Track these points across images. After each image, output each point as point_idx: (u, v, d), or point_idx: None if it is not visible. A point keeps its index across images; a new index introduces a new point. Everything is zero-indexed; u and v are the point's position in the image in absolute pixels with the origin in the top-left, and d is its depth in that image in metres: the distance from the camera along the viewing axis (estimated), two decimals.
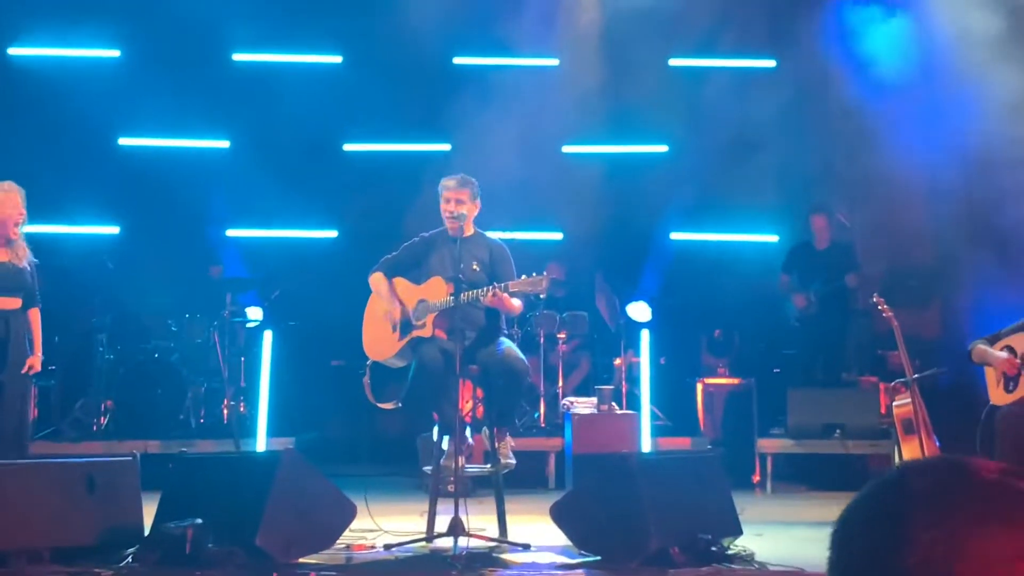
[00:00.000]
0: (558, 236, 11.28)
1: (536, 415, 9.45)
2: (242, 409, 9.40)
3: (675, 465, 5.94)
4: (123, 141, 11.04)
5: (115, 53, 11.09)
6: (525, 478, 7.87)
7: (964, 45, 8.96)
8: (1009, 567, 1.13)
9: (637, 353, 9.35)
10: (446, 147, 11.30)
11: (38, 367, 6.62)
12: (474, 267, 6.20)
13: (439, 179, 6.66)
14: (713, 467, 5.95)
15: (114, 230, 11.01)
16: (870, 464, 8.98)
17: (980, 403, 6.61)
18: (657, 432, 9.07)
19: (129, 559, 5.18)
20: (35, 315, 6.71)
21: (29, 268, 6.76)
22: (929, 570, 1.15)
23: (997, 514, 1.16)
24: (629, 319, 9.57)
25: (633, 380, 9.39)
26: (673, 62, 11.28)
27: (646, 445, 8.42)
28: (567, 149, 11.37)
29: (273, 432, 8.94)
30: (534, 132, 10.94)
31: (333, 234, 11.33)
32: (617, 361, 9.70)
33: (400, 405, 6.39)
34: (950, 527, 1.16)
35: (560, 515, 5.72)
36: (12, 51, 11.03)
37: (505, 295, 5.93)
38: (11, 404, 6.49)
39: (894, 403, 7.28)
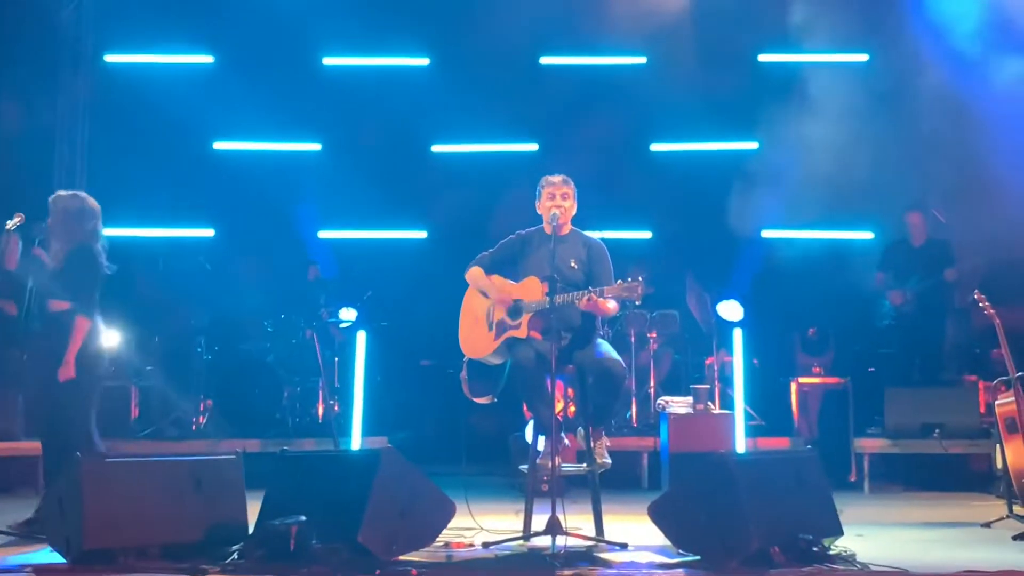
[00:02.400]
0: (647, 235, 11.23)
1: (628, 415, 9.42)
2: (335, 408, 9.51)
3: (774, 465, 5.87)
4: (217, 145, 11.28)
5: (208, 59, 11.32)
6: (618, 478, 7.83)
7: None
8: None
9: (730, 352, 9.28)
10: (533, 147, 11.36)
11: (64, 375, 6.43)
12: (572, 264, 6.20)
13: (527, 179, 6.69)
14: (812, 467, 5.87)
15: (209, 233, 11.22)
16: (971, 464, 8.82)
17: None
18: (751, 432, 8.99)
19: (235, 556, 5.25)
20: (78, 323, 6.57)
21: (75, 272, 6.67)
22: None
23: None
24: (720, 318, 9.48)
25: (726, 379, 9.32)
26: (763, 57, 11.18)
27: (740, 445, 8.35)
28: (656, 147, 11.32)
29: (367, 431, 9.03)
30: (622, 130, 10.95)
31: (422, 235, 11.43)
32: (709, 360, 9.63)
33: (496, 400, 6.40)
34: None
35: (658, 514, 5.70)
36: (109, 58, 11.31)
37: (601, 300, 5.92)
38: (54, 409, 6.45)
39: (996, 402, 7.12)
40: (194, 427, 9.45)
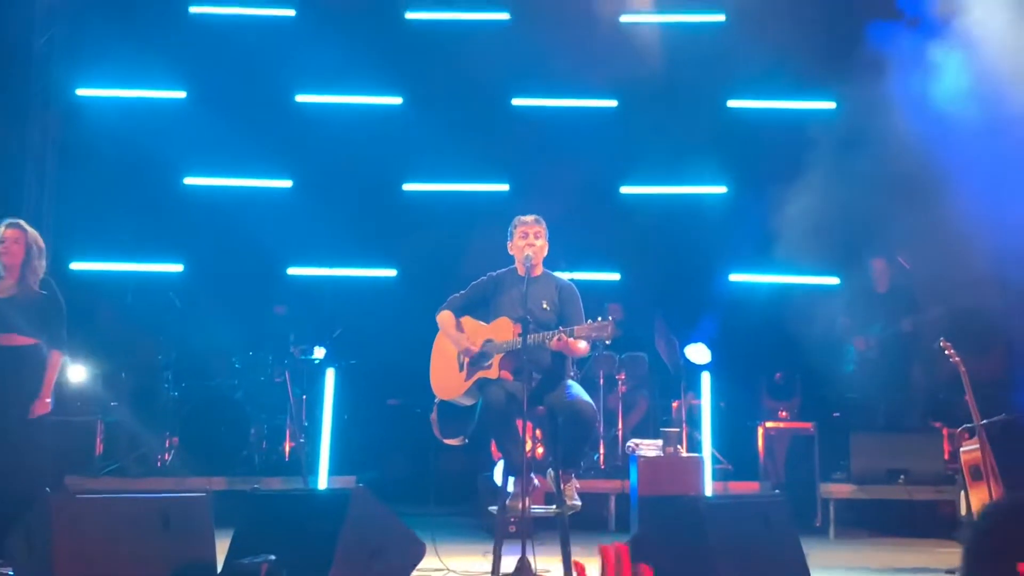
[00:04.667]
0: (616, 277, 11.29)
1: (596, 457, 9.43)
2: (303, 445, 9.46)
3: (743, 509, 5.89)
4: (188, 180, 11.25)
5: (181, 94, 11.33)
6: (585, 520, 7.82)
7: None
8: None
9: (697, 395, 9.33)
10: (505, 187, 11.41)
11: (39, 410, 6.43)
12: (544, 306, 6.23)
13: (497, 218, 6.72)
14: (781, 511, 5.90)
15: (178, 268, 11.18)
16: (936, 511, 8.88)
17: None
18: (718, 476, 9.02)
19: None
20: (51, 357, 6.56)
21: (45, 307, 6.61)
22: None
23: None
24: (688, 361, 9.53)
25: (693, 422, 9.35)
26: (732, 103, 11.32)
27: (709, 488, 8.38)
28: (625, 190, 11.41)
29: (334, 470, 8.98)
30: (592, 173, 11.02)
31: (392, 273, 11.43)
32: (675, 404, 9.67)
33: (466, 442, 6.40)
34: None
35: (628, 557, 5.70)
36: (80, 92, 11.28)
37: (571, 340, 5.96)
38: (12, 443, 6.36)
39: (961, 449, 7.20)
40: (159, 464, 9.36)
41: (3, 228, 6.61)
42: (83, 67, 11.21)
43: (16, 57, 10.97)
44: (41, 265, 6.67)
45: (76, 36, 11.15)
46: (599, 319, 5.87)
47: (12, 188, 10.72)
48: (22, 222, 6.69)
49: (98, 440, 9.30)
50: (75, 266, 10.99)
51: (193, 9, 11.35)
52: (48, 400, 6.41)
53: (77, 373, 9.45)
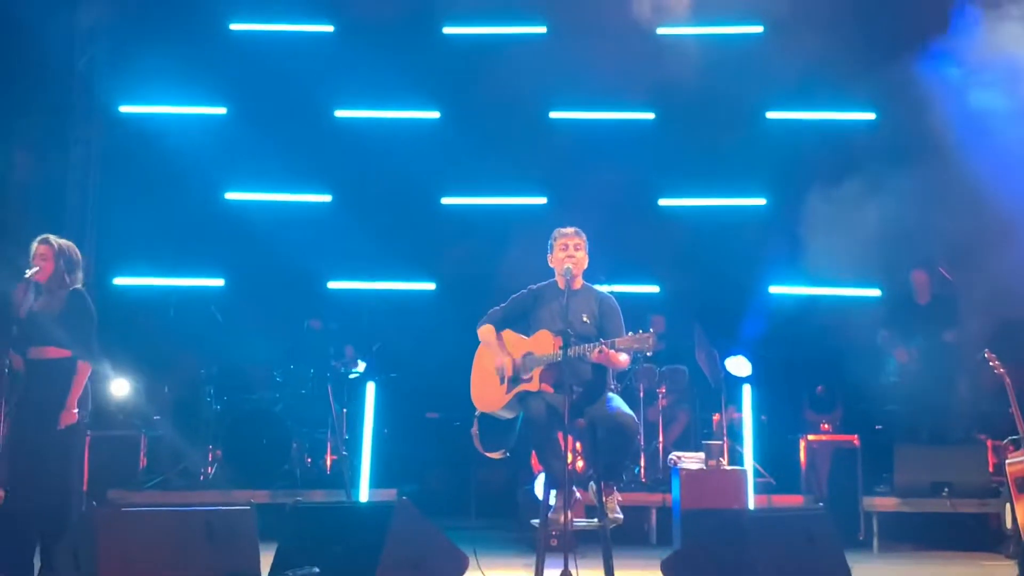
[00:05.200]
0: (655, 289, 11.27)
1: (637, 470, 9.40)
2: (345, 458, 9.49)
3: (786, 522, 5.87)
4: (229, 196, 11.34)
5: (221, 110, 11.44)
6: (626, 534, 7.80)
7: None
8: None
9: (738, 408, 9.29)
10: (542, 200, 11.43)
11: (65, 421, 6.43)
12: (584, 319, 6.21)
13: (535, 232, 6.72)
14: (824, 525, 5.87)
15: (219, 282, 11.27)
16: (980, 524, 8.78)
17: None
18: (760, 489, 8.97)
19: None
20: (79, 369, 6.56)
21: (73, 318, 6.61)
22: None
23: None
24: (729, 373, 9.49)
25: (734, 435, 9.31)
26: (770, 114, 11.29)
27: (751, 502, 8.33)
28: (664, 202, 11.39)
29: (375, 483, 9.01)
30: (630, 185, 11.01)
31: (431, 286, 11.45)
32: (716, 416, 9.62)
33: (508, 455, 6.40)
34: None
35: (672, 570, 5.70)
36: (123, 108, 11.41)
37: (612, 352, 5.94)
38: (46, 456, 6.38)
39: (1007, 461, 7.12)
40: (202, 477, 9.42)
41: (34, 245, 6.68)
42: (125, 84, 11.33)
43: (59, 76, 11.14)
44: (77, 277, 6.70)
45: (118, 54, 11.30)
46: (640, 331, 5.85)
47: (56, 205, 10.87)
48: (51, 237, 6.69)
49: (141, 454, 9.38)
50: (118, 281, 11.11)
51: (233, 26, 11.47)
52: (75, 411, 6.45)
53: (120, 387, 9.55)
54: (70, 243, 6.79)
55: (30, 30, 10.44)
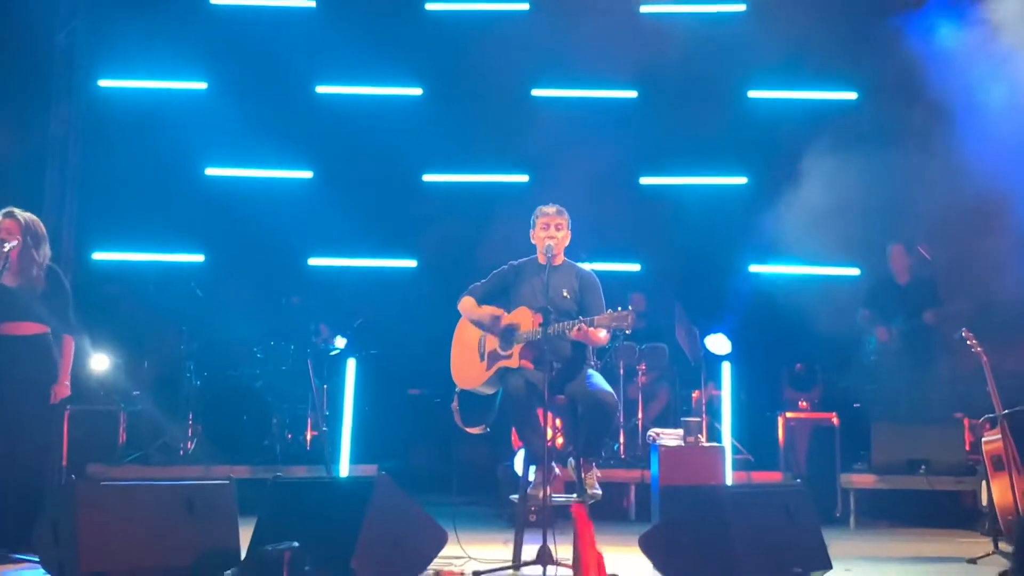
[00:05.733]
0: (636, 267, 11.29)
1: (616, 447, 9.44)
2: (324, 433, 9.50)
3: (764, 498, 5.90)
4: (209, 171, 11.29)
5: (202, 85, 11.37)
6: (605, 509, 7.82)
7: None
8: None
9: (718, 386, 9.33)
10: (524, 178, 11.41)
11: (60, 394, 6.53)
12: (564, 295, 6.23)
13: (517, 209, 6.73)
14: (802, 501, 5.90)
15: (199, 258, 11.23)
16: (957, 501, 8.86)
17: None
18: (738, 466, 9.02)
19: None
20: (64, 343, 6.61)
21: (49, 294, 6.60)
22: None
23: None
24: (708, 351, 9.53)
25: (713, 413, 9.35)
26: (752, 93, 11.29)
27: (730, 478, 8.38)
28: (645, 180, 11.40)
29: (355, 459, 9.02)
30: (612, 163, 11.00)
31: (412, 264, 11.45)
32: (695, 394, 9.67)
33: (488, 430, 6.42)
34: None
35: (649, 546, 5.72)
36: (102, 83, 11.33)
37: (591, 329, 5.96)
38: (25, 431, 6.40)
39: (983, 439, 7.18)
40: (182, 452, 9.41)
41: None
42: (104, 59, 11.26)
43: (38, 50, 11.03)
44: (45, 252, 6.66)
45: (97, 28, 11.20)
46: (619, 308, 5.86)
47: (34, 180, 10.79)
48: (16, 211, 6.62)
49: (121, 429, 9.36)
50: (97, 256, 11.07)
51: (214, 0, 11.38)
52: (67, 383, 6.46)
53: (99, 363, 9.51)
54: (35, 217, 6.73)
55: (8, 3, 10.36)
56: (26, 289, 6.53)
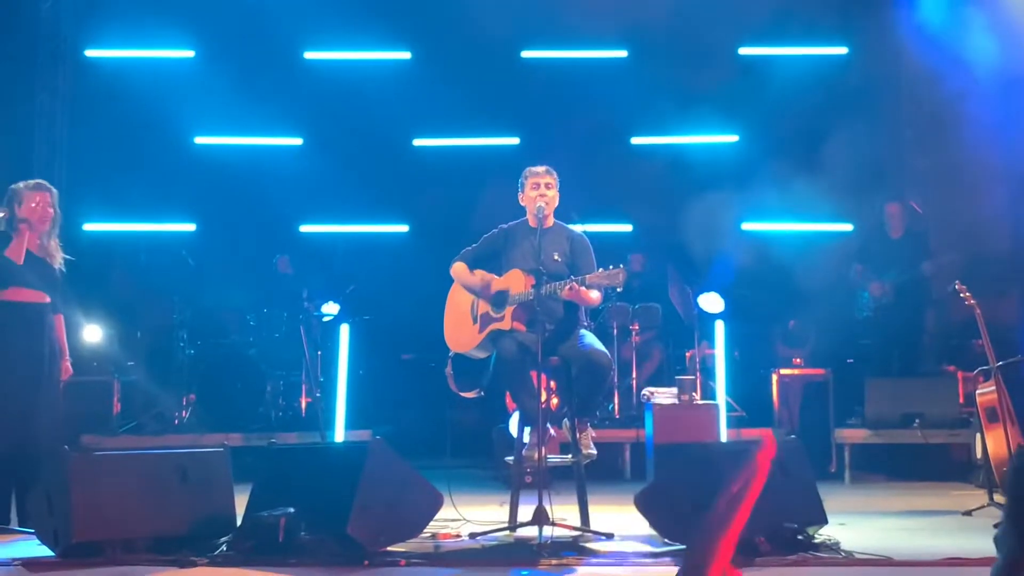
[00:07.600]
0: (628, 228, 11.27)
1: (610, 406, 9.46)
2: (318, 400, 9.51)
3: None
4: (199, 140, 11.24)
5: (189, 53, 11.30)
6: (601, 469, 7.86)
7: None
8: None
9: (711, 344, 9.33)
10: (515, 141, 11.37)
11: (68, 373, 6.61)
12: (555, 257, 6.20)
13: (508, 172, 6.69)
14: (797, 456, 5.90)
15: (190, 227, 11.21)
16: (951, 454, 8.90)
17: None
18: (733, 423, 9.04)
19: (223, 547, 5.26)
20: (59, 321, 6.61)
21: (59, 272, 6.61)
22: None
23: None
24: (702, 310, 9.53)
25: (707, 371, 9.37)
26: (743, 51, 11.24)
27: (724, 435, 8.40)
28: (636, 140, 11.36)
29: (350, 425, 9.03)
30: (603, 124, 10.98)
31: (404, 228, 11.43)
32: (688, 353, 9.68)
33: (482, 394, 6.43)
34: None
35: (645, 504, 5.72)
36: (89, 52, 11.26)
37: (583, 289, 5.94)
38: (50, 400, 6.44)
39: (977, 391, 7.19)
40: (176, 421, 9.42)
41: (36, 192, 6.58)
42: (91, 28, 11.20)
43: (24, 19, 10.95)
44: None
45: None
46: (610, 267, 5.85)
47: (23, 151, 10.73)
48: (44, 182, 6.71)
49: (115, 399, 9.36)
50: (88, 227, 11.02)
51: None
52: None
53: (92, 333, 9.51)
54: None
55: None
56: (40, 261, 6.54)
